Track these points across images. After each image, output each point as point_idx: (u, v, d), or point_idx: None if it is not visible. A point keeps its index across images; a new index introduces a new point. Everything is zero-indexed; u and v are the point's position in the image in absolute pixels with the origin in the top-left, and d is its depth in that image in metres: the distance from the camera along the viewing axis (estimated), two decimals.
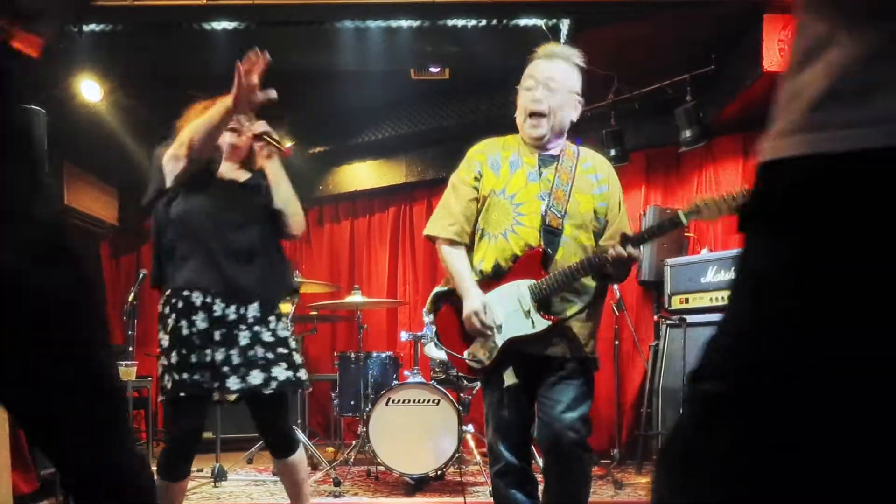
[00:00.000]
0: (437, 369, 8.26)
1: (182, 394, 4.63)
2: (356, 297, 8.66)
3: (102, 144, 9.79)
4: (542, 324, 4.30)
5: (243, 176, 5.13)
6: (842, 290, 1.24)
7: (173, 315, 4.71)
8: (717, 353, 1.43)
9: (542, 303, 4.33)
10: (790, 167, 1.30)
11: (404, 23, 7.62)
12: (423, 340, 8.24)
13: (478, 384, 8.13)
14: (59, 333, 2.46)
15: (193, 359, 4.65)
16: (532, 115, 4.44)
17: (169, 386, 4.65)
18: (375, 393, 8.19)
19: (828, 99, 1.28)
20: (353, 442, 8.74)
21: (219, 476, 8.06)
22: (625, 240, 4.18)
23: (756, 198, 1.39)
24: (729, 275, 7.96)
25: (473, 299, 4.40)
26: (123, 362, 7.33)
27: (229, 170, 5.11)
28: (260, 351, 4.80)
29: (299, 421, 9.16)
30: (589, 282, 4.43)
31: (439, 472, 7.83)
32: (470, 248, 4.60)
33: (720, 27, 7.64)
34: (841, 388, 1.24)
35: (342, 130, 11.61)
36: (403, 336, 8.51)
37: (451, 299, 4.60)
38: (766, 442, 1.31)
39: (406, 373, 8.29)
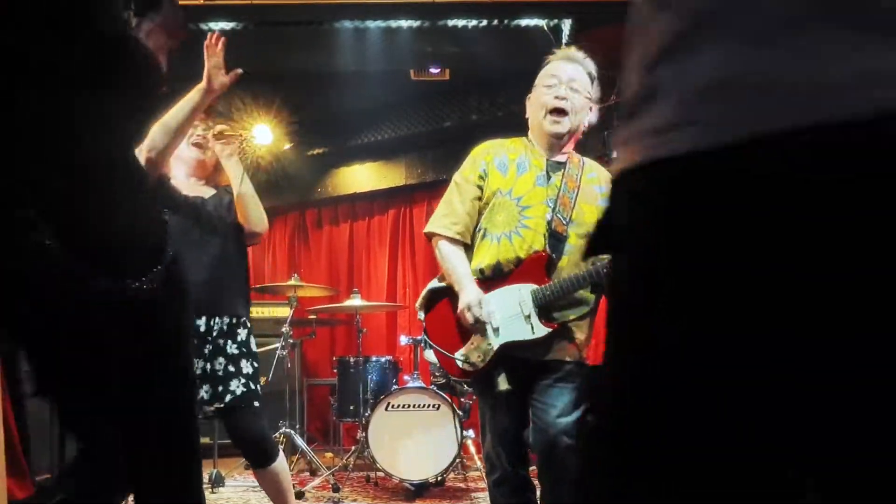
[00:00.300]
0: (437, 374, 8.25)
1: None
2: (355, 301, 8.66)
3: None
4: (541, 330, 4.28)
5: (208, 192, 5.15)
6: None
7: None
8: (594, 391, 1.47)
9: (543, 309, 4.31)
10: (620, 180, 1.35)
11: (404, 23, 7.62)
12: (422, 344, 8.22)
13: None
14: (175, 362, 2.58)
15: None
16: (554, 111, 4.44)
17: None
18: (375, 398, 8.17)
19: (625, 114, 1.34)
20: (353, 447, 8.74)
21: (216, 482, 8.05)
22: None
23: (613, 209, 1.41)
24: None
25: (469, 293, 4.38)
26: None
27: (193, 185, 5.13)
28: (224, 364, 4.86)
29: (297, 426, 9.16)
30: (589, 290, 4.41)
31: (439, 478, 7.82)
32: (470, 248, 4.59)
33: None
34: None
35: (341, 132, 11.61)
36: (403, 340, 8.51)
37: (447, 296, 4.60)
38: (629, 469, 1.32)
39: (406, 377, 8.30)
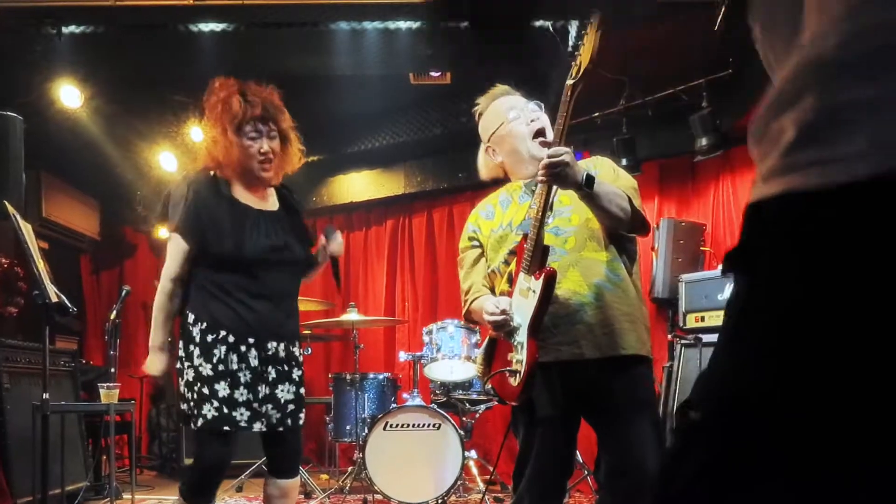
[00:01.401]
0: (437, 392, 8.25)
1: (226, 428, 4.75)
2: (352, 316, 8.66)
3: (83, 153, 9.80)
4: (537, 285, 4.12)
5: (272, 205, 5.20)
6: (808, 330, 1.28)
7: (221, 347, 4.81)
8: (701, 384, 1.48)
9: (535, 269, 4.17)
10: (767, 207, 1.36)
11: (403, 24, 7.60)
12: (422, 361, 8.23)
13: (480, 408, 8.15)
14: None
15: (241, 395, 4.81)
16: (537, 134, 4.45)
17: (210, 416, 4.73)
18: (372, 417, 8.17)
19: (798, 142, 1.34)
20: (349, 469, 8.75)
21: None
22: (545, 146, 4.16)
23: (739, 240, 1.44)
24: None
25: (487, 302, 4.39)
26: (105, 384, 7.30)
27: (258, 199, 5.15)
28: (290, 388, 5.03)
29: None
30: (608, 257, 4.34)
31: (440, 501, 7.77)
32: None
33: (738, 28, 7.63)
34: (801, 428, 1.28)
35: (337, 138, 11.61)
36: (402, 356, 8.51)
37: (497, 347, 4.54)
38: (724, 474, 1.36)
39: (405, 395, 8.29)
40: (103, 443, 8.72)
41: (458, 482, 7.59)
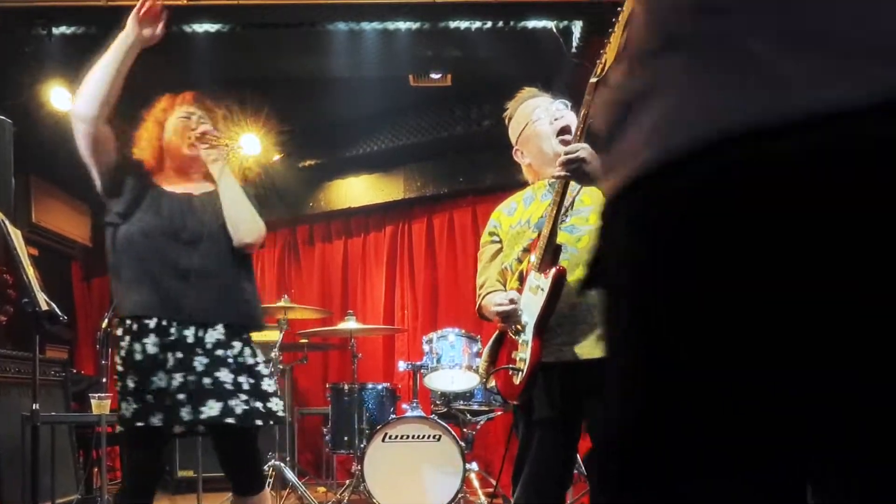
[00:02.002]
0: (437, 402, 8.24)
1: (139, 423, 4.58)
2: (350, 324, 8.66)
3: (74, 157, 9.77)
4: (546, 283, 4.18)
5: (200, 188, 5.09)
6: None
7: (127, 338, 4.68)
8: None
9: (546, 267, 4.23)
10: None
11: (402, 25, 7.62)
12: (422, 371, 8.21)
13: (482, 419, 8.14)
14: None
15: (144, 386, 4.61)
16: (561, 131, 4.49)
17: (128, 414, 4.60)
18: (371, 428, 8.16)
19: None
20: (347, 481, 8.72)
21: None
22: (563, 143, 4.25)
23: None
24: None
25: (497, 295, 4.49)
26: (96, 394, 7.28)
27: (185, 182, 5.07)
28: (219, 378, 4.74)
29: (288, 458, 9.15)
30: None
31: None
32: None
33: None
34: None
35: (335, 142, 11.61)
36: (401, 366, 8.50)
37: (504, 344, 4.61)
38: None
39: (404, 406, 8.28)
40: (95, 455, 8.70)
41: (459, 495, 7.58)
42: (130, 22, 4.73)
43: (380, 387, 8.77)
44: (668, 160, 1.22)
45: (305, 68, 8.51)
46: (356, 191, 12.22)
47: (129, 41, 4.77)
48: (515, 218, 4.62)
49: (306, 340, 9.66)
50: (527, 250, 4.41)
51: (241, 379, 4.82)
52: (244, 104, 9.63)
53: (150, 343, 4.64)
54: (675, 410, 1.26)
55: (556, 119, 4.50)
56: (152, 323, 4.67)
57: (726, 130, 1.16)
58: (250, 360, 4.92)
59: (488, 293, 4.68)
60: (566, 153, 4.02)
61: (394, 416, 8.16)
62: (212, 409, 4.66)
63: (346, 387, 8.69)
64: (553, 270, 4.14)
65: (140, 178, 4.95)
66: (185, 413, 4.63)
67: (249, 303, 5.06)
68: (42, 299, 5.77)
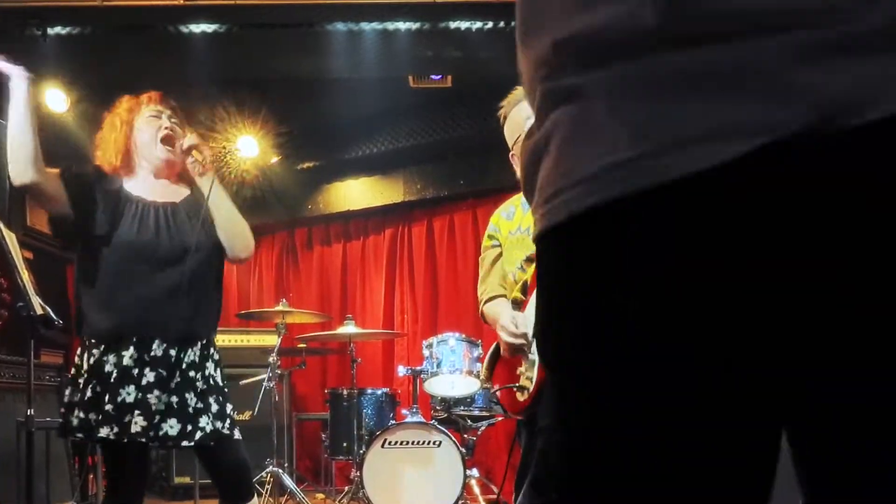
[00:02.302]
0: (438, 407, 8.24)
1: (80, 435, 4.62)
2: (349, 328, 8.65)
3: (69, 160, 9.78)
4: None
5: (180, 194, 5.03)
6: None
7: (100, 347, 4.66)
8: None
9: None
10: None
11: (402, 25, 7.59)
12: (422, 376, 8.21)
13: (483, 425, 8.14)
14: None
15: (107, 398, 4.58)
16: None
17: (74, 423, 4.61)
18: (370, 434, 8.16)
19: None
20: (346, 488, 8.72)
21: None
22: None
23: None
24: None
25: (502, 317, 4.51)
26: None
27: (162, 187, 4.99)
28: (189, 398, 4.74)
29: (286, 465, 9.15)
30: None
31: None
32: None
33: None
34: None
35: (333, 144, 11.60)
36: (401, 371, 8.50)
37: (500, 355, 4.71)
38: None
39: (404, 411, 8.28)
40: (90, 461, 8.71)
41: (460, 502, 7.57)
42: (10, 71, 4.65)
43: (379, 392, 8.78)
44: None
45: (304, 69, 8.50)
46: (355, 193, 12.20)
47: (22, 90, 4.72)
48: (514, 223, 4.66)
49: (304, 345, 9.65)
50: (530, 260, 4.45)
51: (210, 400, 4.82)
52: (242, 105, 9.67)
53: (127, 356, 4.62)
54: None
55: None
56: (133, 338, 4.65)
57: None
58: (220, 381, 4.94)
59: (489, 299, 4.75)
60: None
61: (393, 421, 8.16)
62: (172, 428, 4.66)
63: (344, 392, 8.68)
64: None
65: (112, 188, 4.86)
66: (140, 428, 4.59)
67: (219, 312, 5.10)
68: (37, 303, 5.77)
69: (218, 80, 8.77)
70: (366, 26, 7.59)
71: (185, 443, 4.69)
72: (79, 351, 4.78)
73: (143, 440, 4.62)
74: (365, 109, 10.56)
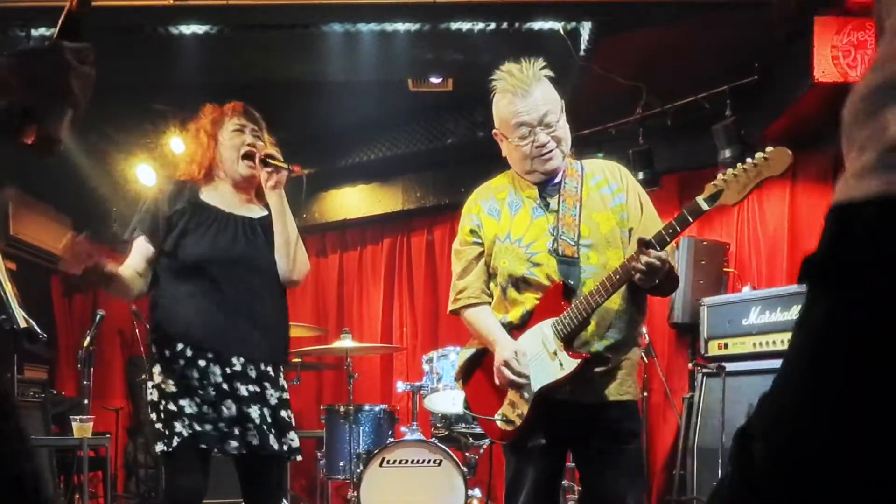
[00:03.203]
0: (438, 425, 8.23)
1: (203, 446, 4.74)
2: (345, 342, 8.64)
3: (54, 167, 9.79)
4: (570, 363, 4.28)
5: (257, 211, 5.17)
6: None
7: (181, 361, 4.78)
8: (769, 409, 1.45)
9: (569, 340, 4.33)
10: (864, 211, 1.30)
11: (401, 26, 7.58)
12: (422, 391, 8.20)
13: (485, 442, 8.12)
14: None
15: (210, 411, 4.76)
16: (541, 156, 4.50)
17: (184, 434, 4.71)
18: (368, 452, 8.14)
19: None
20: None
21: None
22: (642, 244, 4.10)
23: (823, 245, 1.38)
24: (775, 316, 7.91)
25: (504, 348, 4.47)
26: (78, 417, 7.27)
27: (239, 201, 5.14)
28: (266, 411, 4.91)
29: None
30: (621, 307, 4.43)
31: None
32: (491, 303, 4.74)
33: (763, 31, 7.60)
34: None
35: (330, 150, 11.58)
36: (400, 387, 8.50)
37: (481, 361, 4.72)
38: None
39: (403, 429, 8.27)
40: (76, 480, 8.69)
41: None
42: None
43: (377, 409, 8.77)
44: None
45: (298, 72, 8.50)
46: (352, 202, 12.19)
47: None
48: (503, 227, 4.60)
49: (299, 360, 9.63)
50: (528, 283, 4.48)
51: (284, 413, 5.04)
52: None
53: (217, 373, 4.80)
54: None
55: (538, 146, 4.46)
56: (211, 353, 4.82)
57: None
58: (287, 395, 5.13)
59: (472, 305, 4.74)
60: (658, 258, 4.07)
61: (392, 439, 8.16)
62: (254, 438, 4.85)
63: (341, 409, 8.68)
64: (581, 360, 4.28)
65: (191, 197, 5.00)
66: (249, 438, 4.84)
67: (289, 340, 5.27)
68: (20, 316, 5.76)
69: (208, 83, 8.75)
70: (363, 27, 7.58)
71: (262, 453, 4.89)
72: (151, 365, 4.94)
73: (263, 452, 4.88)
74: (362, 114, 10.54)
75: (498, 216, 4.64)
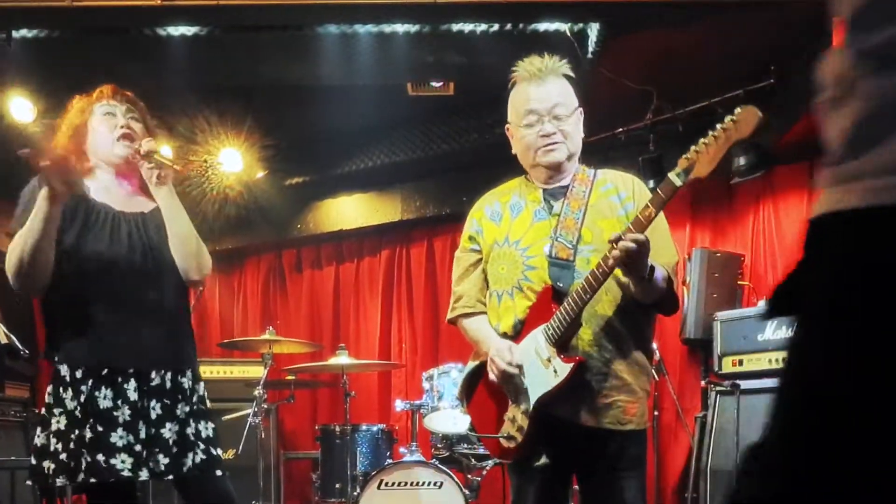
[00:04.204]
0: (438, 445, 8.20)
1: (93, 479, 4.53)
2: (341, 359, 8.62)
3: (36, 174, 9.76)
4: (564, 368, 4.27)
5: (147, 204, 4.96)
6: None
7: (89, 382, 4.59)
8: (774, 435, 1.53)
9: (562, 345, 4.32)
10: (819, 227, 1.35)
11: (400, 27, 7.56)
12: (422, 410, 8.17)
13: (488, 464, 8.09)
14: None
15: (116, 437, 4.56)
16: (545, 146, 4.53)
17: (83, 467, 4.52)
18: (365, 474, 8.13)
19: (851, 143, 1.32)
20: None
21: None
22: (613, 240, 4.09)
23: (805, 264, 1.40)
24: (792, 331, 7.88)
25: (496, 343, 4.52)
26: None
27: (127, 196, 4.95)
28: (189, 427, 4.81)
29: None
30: (624, 317, 4.43)
31: None
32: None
33: (780, 33, 7.58)
34: None
35: (325, 158, 11.59)
36: (399, 405, 8.48)
37: (483, 377, 4.69)
38: None
39: (402, 450, 8.26)
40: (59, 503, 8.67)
41: None
42: (41, 182, 4.52)
43: (375, 428, 8.74)
44: None
45: (292, 75, 8.48)
46: (348, 211, 12.18)
47: (45, 208, 4.48)
48: (502, 230, 4.64)
49: (293, 377, 9.60)
50: (521, 290, 4.49)
51: (201, 426, 4.88)
52: (224, 115, 9.64)
53: (131, 389, 4.62)
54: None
55: (543, 136, 4.51)
56: (129, 369, 4.64)
57: None
58: (207, 405, 4.98)
59: (467, 314, 4.82)
60: (634, 241, 4.02)
61: (390, 460, 8.15)
62: (186, 458, 4.73)
63: (337, 428, 8.65)
64: (574, 363, 4.25)
65: (77, 196, 4.71)
66: (161, 462, 4.66)
67: (195, 344, 5.12)
68: (1, 332, 5.75)
69: (198, 87, 8.75)
70: (360, 29, 7.55)
71: (205, 472, 4.79)
72: (53, 386, 4.68)
73: (170, 476, 4.70)
74: (359, 120, 10.53)
75: (499, 220, 4.68)
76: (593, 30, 7.52)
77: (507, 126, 4.79)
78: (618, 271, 4.26)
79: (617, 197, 4.58)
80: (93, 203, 4.77)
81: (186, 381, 4.85)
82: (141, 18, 7.35)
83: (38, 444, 4.64)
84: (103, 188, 4.87)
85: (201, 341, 9.23)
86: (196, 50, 7.60)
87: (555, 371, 4.27)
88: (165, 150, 4.88)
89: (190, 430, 4.79)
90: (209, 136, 9.63)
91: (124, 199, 4.89)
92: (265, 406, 8.29)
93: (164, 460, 4.66)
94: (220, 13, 7.28)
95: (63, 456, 4.54)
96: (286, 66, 8.22)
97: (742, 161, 8.25)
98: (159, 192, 4.83)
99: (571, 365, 4.24)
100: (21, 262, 4.49)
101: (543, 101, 4.51)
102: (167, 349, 4.77)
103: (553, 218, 4.51)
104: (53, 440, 4.57)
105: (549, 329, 4.31)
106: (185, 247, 4.85)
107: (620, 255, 4.02)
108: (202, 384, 4.99)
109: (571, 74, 4.67)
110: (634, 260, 4.08)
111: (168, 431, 4.68)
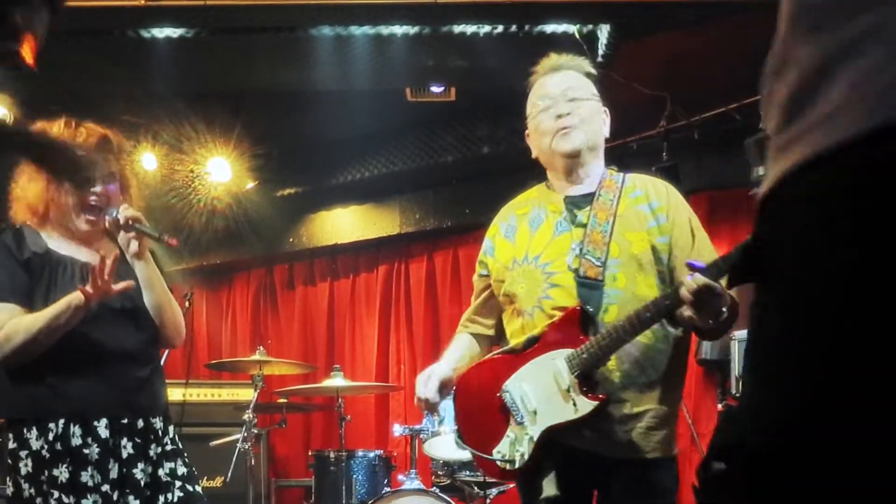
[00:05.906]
0: (439, 472, 8.20)
1: None
2: (336, 381, 8.63)
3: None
4: (586, 406, 4.14)
5: (109, 250, 4.79)
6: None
7: (58, 423, 4.59)
8: (725, 426, 1.55)
9: (586, 378, 4.20)
10: (767, 199, 1.41)
11: (399, 29, 7.56)
12: (422, 436, 8.17)
13: (492, 492, 8.09)
14: None
15: (87, 477, 4.56)
16: (561, 129, 4.44)
17: None
18: (361, 503, 8.11)
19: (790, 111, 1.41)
20: None
21: None
22: (691, 267, 3.89)
23: (756, 237, 1.46)
24: None
25: (429, 368, 4.73)
26: None
27: (87, 247, 4.89)
28: (161, 468, 4.82)
29: None
30: (655, 343, 4.28)
31: None
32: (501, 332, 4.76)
33: None
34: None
35: (319, 167, 11.59)
36: (397, 430, 8.47)
37: (473, 388, 4.71)
38: None
39: (400, 477, 8.26)
40: None
41: None
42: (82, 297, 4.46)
43: (371, 455, 8.74)
44: (884, 124, 1.19)
45: (284, 81, 8.50)
46: (344, 224, 12.20)
47: (77, 315, 4.49)
48: (519, 248, 4.53)
49: (285, 400, 9.62)
50: (541, 309, 4.38)
51: (176, 465, 4.90)
52: (212, 123, 9.65)
53: (102, 426, 4.62)
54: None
55: (559, 116, 4.42)
56: (102, 416, 4.65)
57: None
58: (172, 448, 4.96)
59: (458, 331, 5.00)
60: (706, 287, 3.81)
61: (388, 488, 8.14)
62: (161, 499, 4.74)
63: (331, 455, 8.65)
64: (598, 402, 4.14)
65: (38, 248, 4.69)
66: None
67: (165, 388, 5.15)
68: None
69: (185, 92, 8.75)
70: (356, 31, 7.55)
71: None
72: (14, 430, 4.73)
73: None
74: (355, 127, 10.56)
75: (513, 237, 4.59)
76: (604, 32, 7.51)
77: (525, 133, 4.73)
78: (641, 288, 4.24)
79: (647, 206, 4.44)
80: (56, 258, 4.72)
81: (158, 422, 4.85)
82: (124, 19, 7.35)
83: (10, 494, 4.66)
84: (61, 242, 4.81)
85: (188, 362, 9.25)
86: (182, 53, 7.61)
87: (574, 405, 4.15)
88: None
89: (162, 472, 4.79)
90: (196, 144, 9.64)
91: (84, 252, 4.84)
92: (255, 431, 8.29)
93: (134, 502, 4.66)
94: (207, 14, 7.28)
95: (38, 500, 4.54)
96: (278, 70, 8.23)
97: (761, 171, 8.26)
98: (137, 266, 4.80)
99: (595, 404, 4.12)
100: (24, 349, 4.51)
101: (558, 86, 4.48)
102: (142, 397, 4.79)
103: (577, 229, 4.38)
104: (25, 485, 4.58)
105: (573, 359, 4.17)
106: (163, 316, 4.89)
107: (689, 298, 3.82)
108: (172, 427, 4.99)
109: (593, 72, 4.64)
110: (704, 309, 3.88)
111: (139, 472, 4.68)
